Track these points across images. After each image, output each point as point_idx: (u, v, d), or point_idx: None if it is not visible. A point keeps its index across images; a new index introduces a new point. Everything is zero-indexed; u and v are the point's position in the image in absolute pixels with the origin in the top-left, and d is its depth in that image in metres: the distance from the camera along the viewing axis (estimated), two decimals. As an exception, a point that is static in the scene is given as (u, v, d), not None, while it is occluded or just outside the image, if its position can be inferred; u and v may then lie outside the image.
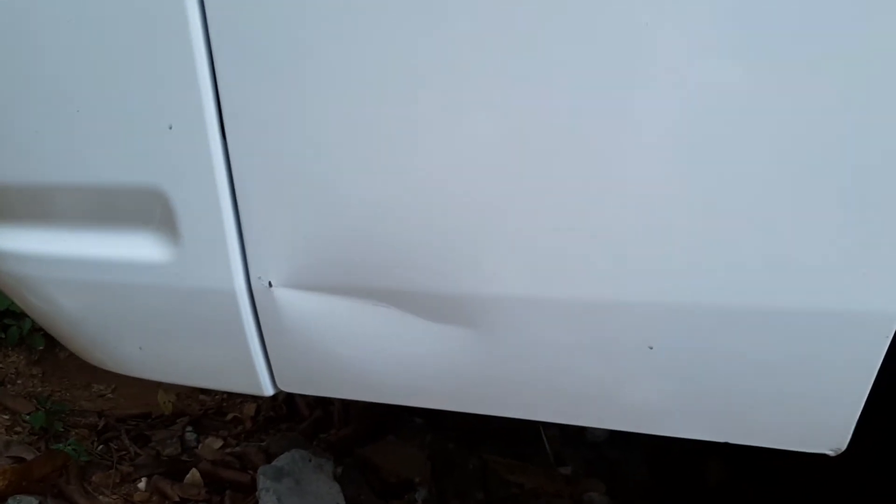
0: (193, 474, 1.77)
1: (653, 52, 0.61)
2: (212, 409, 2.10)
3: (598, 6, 0.61)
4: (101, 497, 1.72)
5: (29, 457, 1.79)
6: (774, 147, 0.61)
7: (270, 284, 0.82)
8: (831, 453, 0.73)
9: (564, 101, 0.65)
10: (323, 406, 2.04)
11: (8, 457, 1.80)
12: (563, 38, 0.62)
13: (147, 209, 0.84)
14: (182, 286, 0.86)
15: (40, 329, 2.16)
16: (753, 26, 0.58)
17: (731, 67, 0.60)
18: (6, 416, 1.96)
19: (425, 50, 0.67)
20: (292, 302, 0.83)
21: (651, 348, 0.72)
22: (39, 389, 2.09)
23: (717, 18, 0.59)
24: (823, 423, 0.72)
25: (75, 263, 0.92)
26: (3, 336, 2.13)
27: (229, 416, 2.06)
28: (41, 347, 2.17)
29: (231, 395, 2.13)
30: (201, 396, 2.14)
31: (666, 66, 0.61)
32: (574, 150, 0.66)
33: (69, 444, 1.85)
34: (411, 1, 0.65)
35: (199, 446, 1.94)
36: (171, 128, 0.77)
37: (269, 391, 0.92)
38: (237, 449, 1.91)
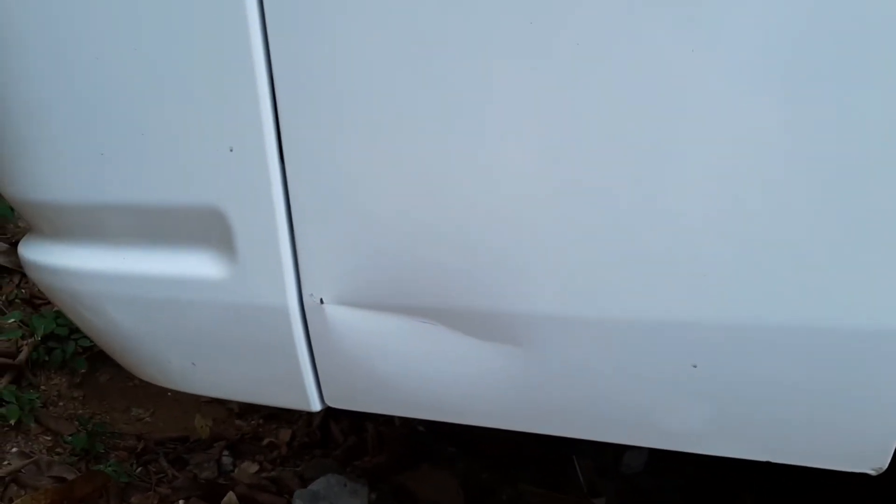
0: (230, 497, 1.79)
1: (696, 80, 0.64)
2: (248, 433, 2.12)
3: (639, 34, 0.64)
4: (139, 518, 1.75)
5: (70, 477, 1.82)
6: (814, 169, 0.63)
7: (322, 301, 0.85)
8: (873, 472, 0.74)
9: (606, 124, 0.67)
10: (357, 433, 2.06)
11: (49, 476, 1.84)
12: (609, 65, 0.65)
13: (205, 228, 0.87)
14: (236, 302, 0.89)
15: (83, 352, 2.21)
16: (795, 59, 0.61)
17: (773, 96, 0.63)
18: (48, 438, 2.00)
19: (473, 77, 0.70)
20: (342, 319, 0.86)
21: (695, 367, 0.74)
22: (80, 411, 2.13)
23: (760, 49, 0.61)
24: (864, 442, 0.73)
25: (132, 280, 0.96)
26: (46, 359, 2.18)
27: (265, 441, 2.08)
28: (83, 370, 2.21)
29: (267, 421, 2.16)
30: (238, 421, 2.16)
31: (707, 94, 0.64)
32: (616, 172, 0.69)
33: (109, 466, 1.88)
34: (459, 33, 0.69)
35: (236, 470, 1.96)
36: (231, 150, 0.81)
37: (316, 407, 0.95)
38: (273, 473, 1.93)
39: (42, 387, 2.17)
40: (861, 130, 0.61)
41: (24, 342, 2.19)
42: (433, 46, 0.70)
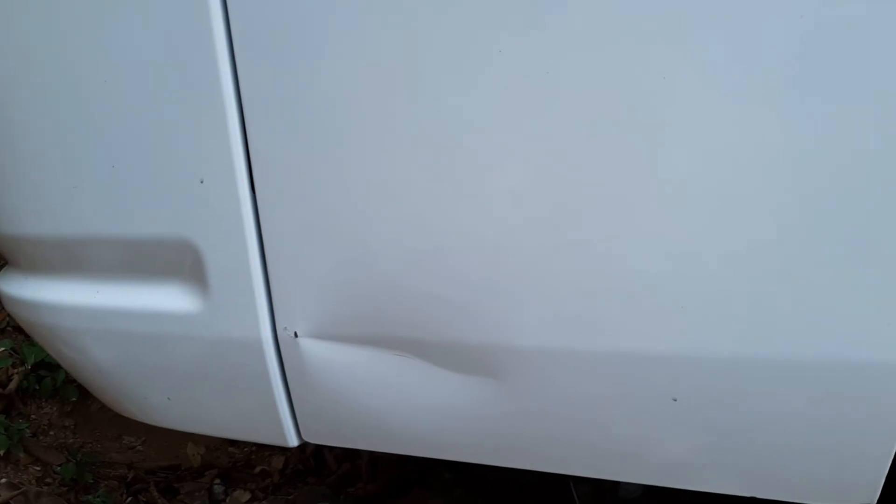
0: (220, 528, 1.77)
1: (673, 106, 0.62)
2: (240, 461, 2.09)
3: (619, 65, 0.62)
4: (128, 550, 1.72)
5: (59, 508, 1.80)
6: (804, 199, 0.62)
7: (296, 335, 0.83)
8: (861, 509, 0.72)
9: (589, 157, 0.66)
10: (351, 460, 2.03)
11: (38, 508, 1.81)
12: (589, 96, 0.64)
13: (177, 261, 0.86)
14: (210, 336, 0.87)
15: (74, 381, 2.19)
16: (771, 79, 0.59)
17: (759, 119, 0.61)
18: (37, 468, 1.98)
19: (454, 108, 0.69)
20: (317, 352, 0.84)
21: (675, 400, 0.72)
22: (71, 440, 2.11)
23: (735, 71, 0.60)
24: (852, 478, 0.71)
25: (107, 314, 0.94)
26: (37, 387, 2.16)
27: (258, 469, 2.05)
28: (74, 399, 2.19)
29: (260, 448, 2.13)
30: (230, 449, 2.13)
31: (687, 120, 0.62)
32: (599, 205, 0.67)
33: (98, 496, 1.85)
34: (439, 62, 0.68)
35: (227, 499, 1.93)
36: (202, 182, 0.79)
37: (293, 442, 0.93)
38: (264, 502, 1.91)
39: (32, 416, 2.14)
40: (853, 159, 0.60)
41: (15, 370, 2.16)
42: (407, 77, 0.69)
